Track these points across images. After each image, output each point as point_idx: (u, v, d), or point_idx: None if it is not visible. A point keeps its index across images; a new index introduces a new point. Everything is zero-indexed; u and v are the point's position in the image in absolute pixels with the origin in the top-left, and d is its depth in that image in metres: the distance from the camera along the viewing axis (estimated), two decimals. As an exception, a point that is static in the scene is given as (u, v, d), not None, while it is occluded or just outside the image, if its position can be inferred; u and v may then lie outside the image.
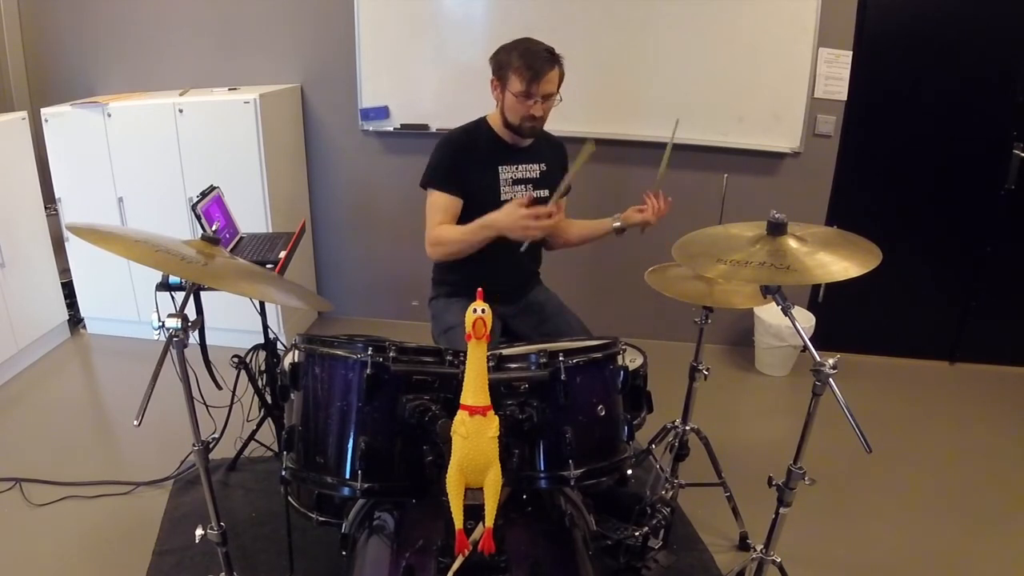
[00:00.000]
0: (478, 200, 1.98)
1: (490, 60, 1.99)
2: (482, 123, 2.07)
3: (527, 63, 1.88)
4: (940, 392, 3.30)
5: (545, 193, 2.10)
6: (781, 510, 1.53)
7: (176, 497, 2.28)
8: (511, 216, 1.81)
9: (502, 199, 2.03)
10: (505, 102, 1.97)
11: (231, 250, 2.28)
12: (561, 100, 1.99)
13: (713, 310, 1.99)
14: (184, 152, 3.05)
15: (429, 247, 2.00)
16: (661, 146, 2.05)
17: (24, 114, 3.14)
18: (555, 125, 2.09)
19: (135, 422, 1.23)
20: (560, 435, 1.32)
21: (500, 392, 1.28)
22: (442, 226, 1.97)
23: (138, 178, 3.13)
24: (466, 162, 2.00)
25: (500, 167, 2.04)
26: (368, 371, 1.29)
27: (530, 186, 2.08)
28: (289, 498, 1.69)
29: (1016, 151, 3.13)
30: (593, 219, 2.23)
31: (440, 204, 1.98)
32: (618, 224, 2.13)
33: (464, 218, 1.97)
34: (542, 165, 2.10)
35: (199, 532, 1.53)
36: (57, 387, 3.05)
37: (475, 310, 1.18)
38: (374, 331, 1.76)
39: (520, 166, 2.07)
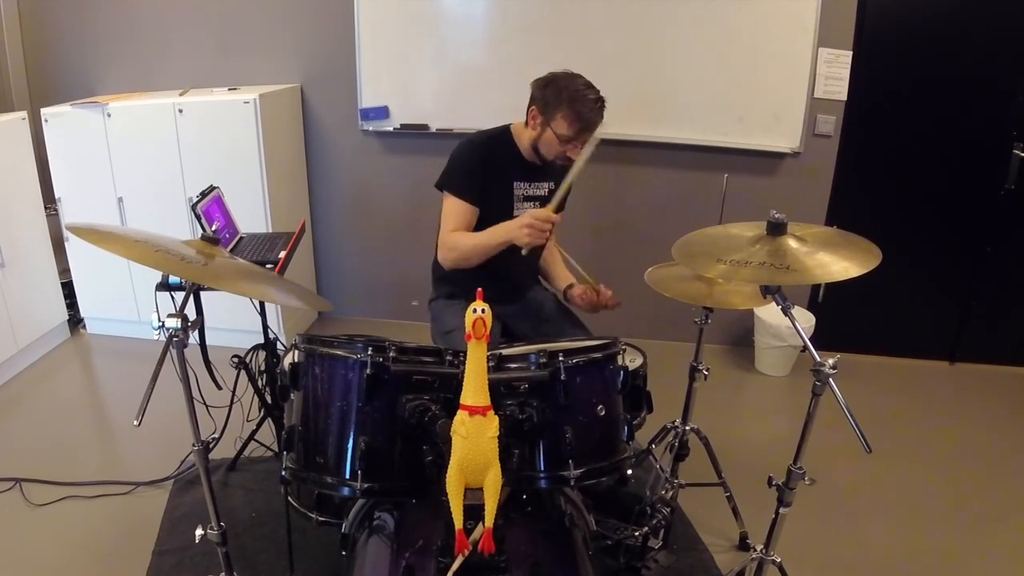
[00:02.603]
0: (490, 213, 1.98)
1: (534, 88, 1.95)
2: (506, 134, 2.04)
3: (579, 112, 1.86)
4: (940, 392, 3.30)
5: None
6: (781, 510, 1.53)
7: (176, 497, 2.28)
8: (521, 219, 1.80)
9: (514, 214, 2.03)
10: (543, 137, 1.94)
11: (231, 250, 2.28)
12: (599, 142, 1.96)
13: (713, 310, 1.99)
14: (184, 152, 3.05)
15: (442, 252, 1.99)
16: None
17: (24, 114, 3.14)
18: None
19: (135, 422, 1.23)
20: (560, 435, 1.32)
21: (500, 392, 1.28)
22: (456, 232, 1.95)
23: (138, 178, 3.13)
24: (486, 173, 1.98)
25: (516, 183, 2.04)
26: (368, 371, 1.29)
27: (538, 204, 2.09)
28: (289, 498, 1.68)
29: (1016, 151, 3.13)
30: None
31: (457, 211, 1.96)
32: (569, 290, 2.14)
33: (476, 229, 1.97)
34: (551, 184, 2.10)
35: (199, 532, 1.53)
36: (57, 387, 3.05)
37: (475, 310, 1.18)
38: (374, 331, 1.76)
39: (533, 184, 2.07)
